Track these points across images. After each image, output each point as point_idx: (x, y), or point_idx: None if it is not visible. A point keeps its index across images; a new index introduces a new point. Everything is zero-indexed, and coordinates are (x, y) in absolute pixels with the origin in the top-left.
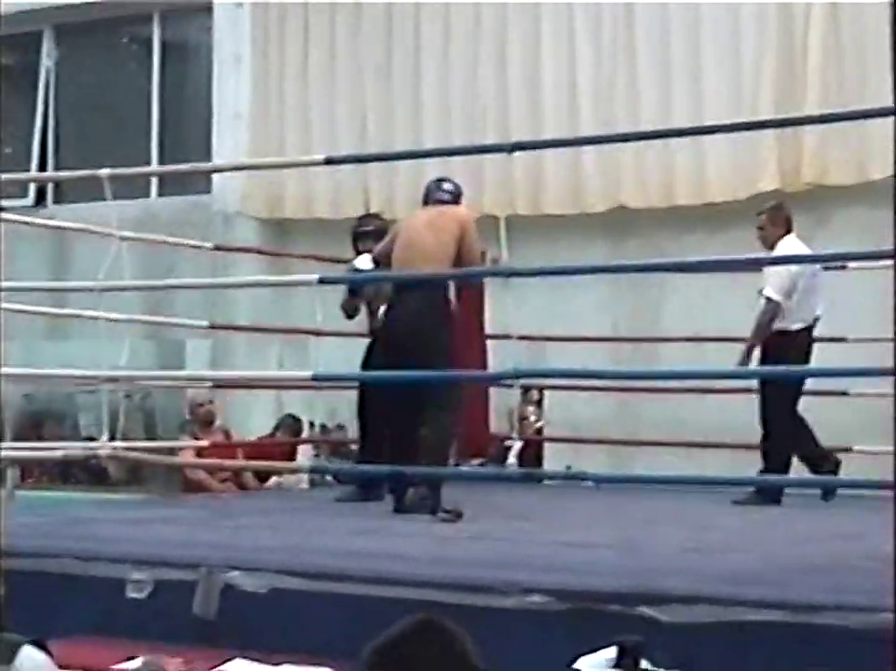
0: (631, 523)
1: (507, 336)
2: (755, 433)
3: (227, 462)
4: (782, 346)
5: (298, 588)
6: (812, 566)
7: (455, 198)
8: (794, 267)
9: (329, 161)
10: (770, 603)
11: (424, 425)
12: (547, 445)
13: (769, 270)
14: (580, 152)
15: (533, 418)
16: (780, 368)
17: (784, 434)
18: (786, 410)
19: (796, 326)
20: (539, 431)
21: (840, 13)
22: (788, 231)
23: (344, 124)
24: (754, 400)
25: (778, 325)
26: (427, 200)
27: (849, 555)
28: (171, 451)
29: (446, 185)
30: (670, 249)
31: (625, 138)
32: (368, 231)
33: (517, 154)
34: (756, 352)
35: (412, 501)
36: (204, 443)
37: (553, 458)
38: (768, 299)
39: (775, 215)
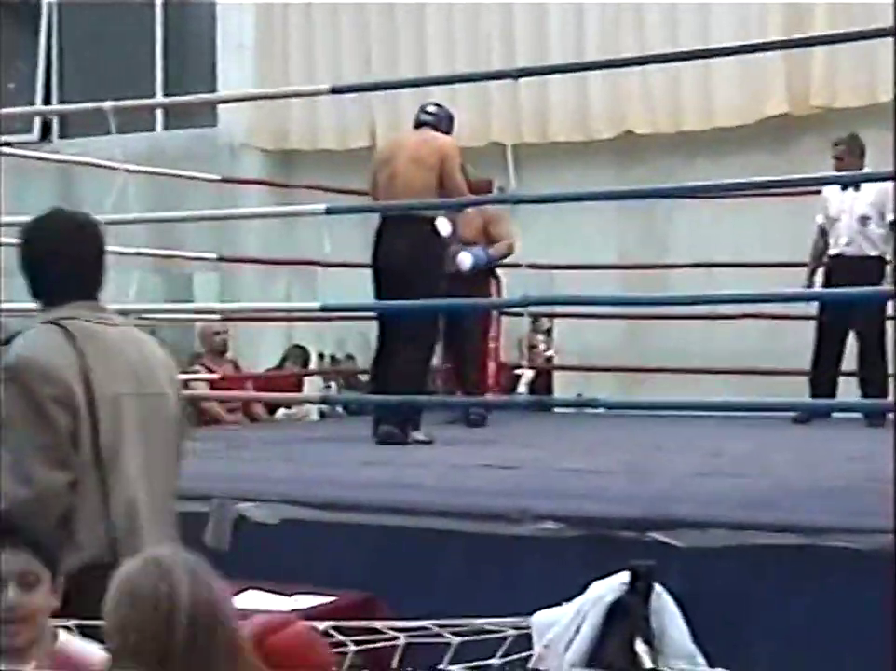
0: (642, 449)
1: (516, 265)
2: (765, 359)
3: (238, 394)
4: (870, 272)
5: (310, 518)
6: (823, 489)
7: (439, 120)
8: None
9: (334, 91)
10: (781, 526)
11: (395, 355)
12: (557, 374)
13: (879, 195)
14: (586, 78)
15: (543, 347)
16: (841, 290)
17: (884, 359)
18: (884, 336)
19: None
20: (549, 359)
21: None
22: (863, 162)
23: (348, 54)
24: (765, 326)
25: (870, 251)
26: (415, 126)
27: (860, 478)
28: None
29: (429, 108)
30: (677, 174)
31: (631, 62)
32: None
33: (523, 81)
34: (818, 278)
35: (385, 433)
36: (215, 376)
37: (564, 387)
38: None
39: (853, 146)
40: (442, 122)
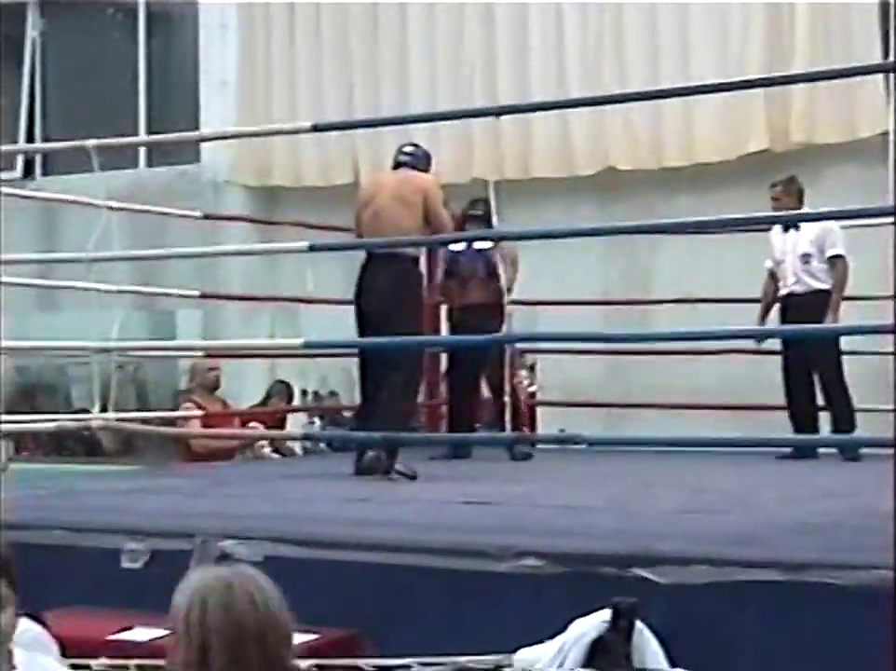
0: (625, 485)
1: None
2: (748, 394)
3: (225, 431)
4: (819, 305)
5: (292, 556)
6: (806, 525)
7: (417, 159)
8: (837, 226)
9: (316, 128)
10: (764, 562)
11: (381, 389)
12: (540, 409)
13: (818, 232)
14: (568, 115)
15: (526, 383)
16: (793, 328)
17: (845, 392)
18: (840, 369)
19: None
20: (532, 395)
21: None
22: (801, 203)
23: (331, 90)
24: (748, 361)
25: (816, 285)
26: (394, 166)
27: (842, 514)
28: (165, 421)
29: (406, 149)
30: (660, 210)
31: (613, 100)
32: (479, 215)
33: (505, 118)
34: (773, 314)
35: (368, 464)
36: (196, 412)
37: (547, 422)
38: (841, 255)
39: (789, 188)
40: (420, 161)
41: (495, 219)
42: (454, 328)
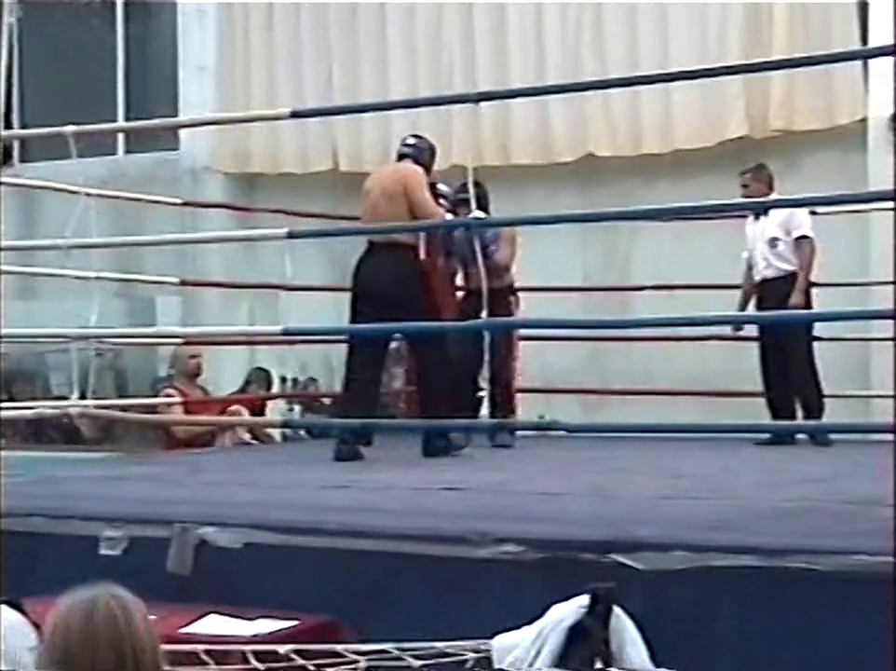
0: (604, 471)
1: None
2: (727, 381)
3: (204, 418)
4: (790, 288)
5: (271, 542)
6: (784, 510)
7: (420, 151)
8: (804, 209)
9: (295, 115)
10: (742, 548)
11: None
12: (519, 396)
13: (785, 216)
14: (548, 101)
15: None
16: (769, 314)
17: (814, 379)
18: (811, 355)
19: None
20: None
21: None
22: (771, 189)
23: (310, 77)
24: (726, 348)
25: (785, 267)
26: (397, 158)
27: (820, 499)
28: (144, 409)
29: (409, 140)
30: (639, 197)
31: (592, 86)
32: (468, 199)
33: (484, 104)
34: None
35: (344, 452)
36: (178, 399)
37: (526, 409)
38: (806, 237)
39: (758, 174)
40: (423, 153)
41: (472, 205)
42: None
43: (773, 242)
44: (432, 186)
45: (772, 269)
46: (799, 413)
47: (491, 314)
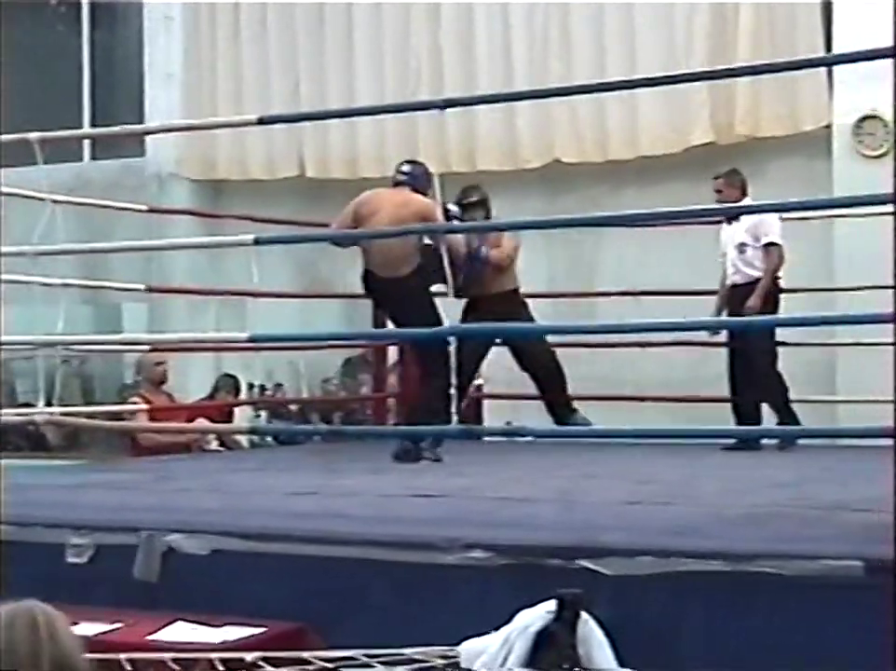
0: (571, 477)
1: (442, 294)
2: (692, 386)
3: (172, 425)
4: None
5: (239, 549)
6: (751, 516)
7: (415, 178)
8: (774, 215)
9: (261, 121)
10: (710, 553)
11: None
12: (486, 402)
13: (754, 221)
14: (514, 108)
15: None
16: (734, 320)
17: (779, 385)
18: (774, 360)
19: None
20: (479, 388)
21: None
22: (744, 194)
23: (277, 83)
24: (692, 353)
25: (753, 273)
26: (393, 184)
27: (787, 504)
28: (111, 416)
29: (404, 167)
30: (605, 203)
31: (559, 93)
32: (474, 202)
33: (451, 111)
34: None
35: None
36: (143, 406)
37: (493, 415)
38: (774, 244)
39: (732, 179)
40: (419, 180)
41: (439, 212)
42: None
43: (742, 248)
44: (445, 212)
45: (740, 275)
46: (773, 418)
47: (510, 318)
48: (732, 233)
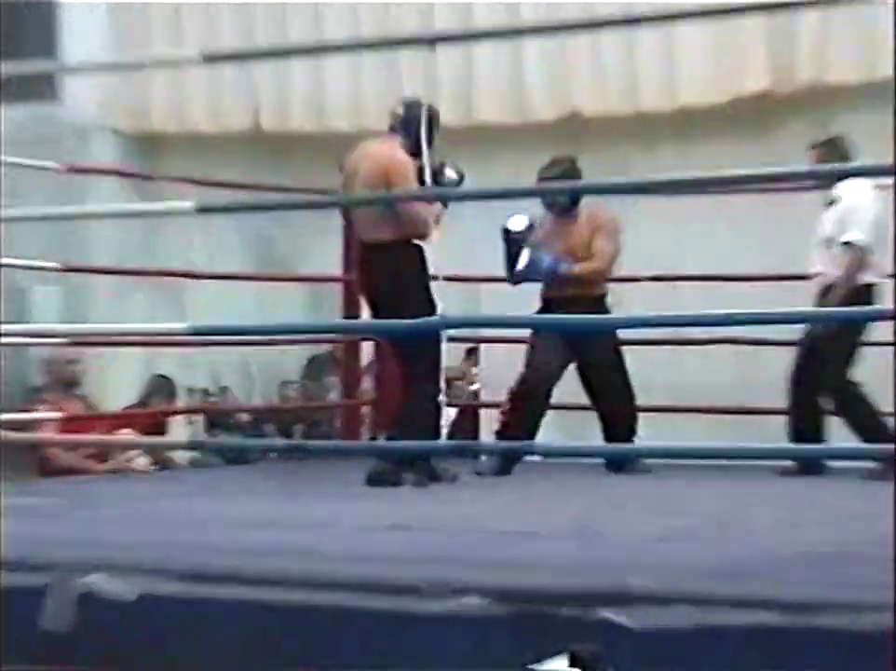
0: (589, 506)
1: (433, 277)
2: (742, 395)
3: (88, 437)
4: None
5: (174, 593)
6: (809, 555)
7: (408, 122)
8: (872, 204)
9: (207, 58)
10: (760, 601)
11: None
12: (483, 412)
13: (844, 209)
14: (522, 47)
15: (470, 382)
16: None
17: (855, 397)
18: (849, 366)
19: (873, 279)
20: (476, 394)
21: None
22: None
23: (226, 15)
24: (740, 354)
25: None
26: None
27: (856, 542)
28: (14, 426)
29: (397, 109)
30: (635, 165)
31: (577, 26)
32: (555, 179)
33: (442, 49)
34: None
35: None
36: (53, 415)
37: (491, 427)
38: (852, 244)
39: (830, 149)
40: (412, 124)
41: (427, 175)
42: None
43: (829, 244)
44: (434, 175)
45: (825, 276)
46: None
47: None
48: (823, 223)
